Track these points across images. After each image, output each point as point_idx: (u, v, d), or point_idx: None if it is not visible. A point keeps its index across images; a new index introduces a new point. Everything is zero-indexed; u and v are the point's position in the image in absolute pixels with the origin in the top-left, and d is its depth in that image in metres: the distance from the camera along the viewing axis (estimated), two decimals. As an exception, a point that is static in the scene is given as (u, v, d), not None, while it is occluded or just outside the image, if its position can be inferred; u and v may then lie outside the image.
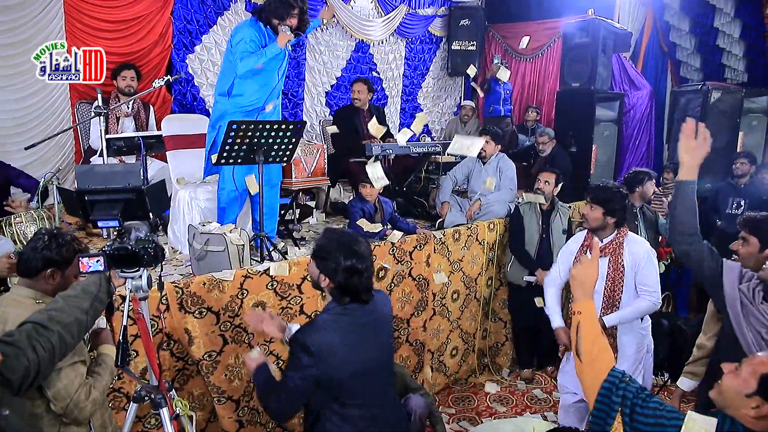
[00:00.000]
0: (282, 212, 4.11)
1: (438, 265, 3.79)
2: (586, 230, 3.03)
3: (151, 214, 1.94)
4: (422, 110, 7.57)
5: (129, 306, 1.83)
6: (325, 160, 4.35)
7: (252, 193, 3.39)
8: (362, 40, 6.57)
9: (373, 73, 6.00)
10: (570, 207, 4.26)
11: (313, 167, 4.22)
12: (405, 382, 3.36)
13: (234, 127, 2.92)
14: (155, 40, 4.83)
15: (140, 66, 4.67)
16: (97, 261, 1.68)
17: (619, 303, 2.82)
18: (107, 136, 3.53)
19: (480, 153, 4.45)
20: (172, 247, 3.58)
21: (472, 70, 6.13)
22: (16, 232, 3.07)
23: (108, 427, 1.98)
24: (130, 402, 2.03)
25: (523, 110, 7.21)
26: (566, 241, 3.94)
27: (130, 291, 1.82)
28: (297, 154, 3.97)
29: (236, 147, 3.01)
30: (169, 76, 3.50)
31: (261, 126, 3.02)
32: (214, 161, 3.16)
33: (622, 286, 2.81)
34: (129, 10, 4.64)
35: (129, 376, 2.26)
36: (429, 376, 3.89)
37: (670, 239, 2.28)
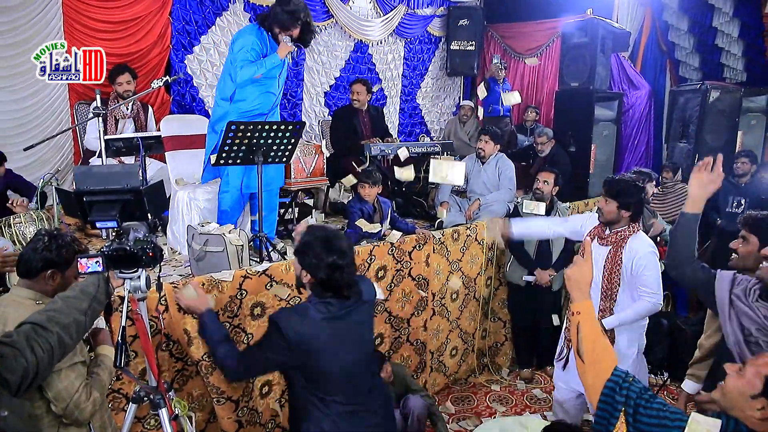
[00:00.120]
0: (281, 212, 4.11)
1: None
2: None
3: (149, 214, 1.94)
4: (421, 110, 7.57)
5: (128, 307, 1.83)
6: (324, 161, 4.35)
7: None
8: (361, 40, 6.57)
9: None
10: (569, 207, 4.27)
11: (312, 167, 4.22)
12: (405, 383, 3.37)
13: (233, 127, 2.92)
14: (154, 40, 4.83)
15: (139, 67, 4.67)
16: (96, 262, 1.68)
17: (616, 296, 2.80)
18: (106, 137, 3.53)
19: (479, 153, 4.46)
20: (171, 248, 3.58)
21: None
22: (16, 232, 3.07)
23: (107, 428, 1.98)
24: (129, 403, 2.03)
25: (522, 110, 7.21)
26: (565, 242, 3.96)
27: (129, 292, 1.83)
28: (296, 155, 3.97)
29: (235, 147, 3.01)
30: (167, 77, 3.50)
31: (260, 126, 3.02)
32: (213, 161, 3.16)
33: (619, 279, 2.78)
34: (127, 10, 4.65)
35: (128, 377, 2.26)
36: (429, 376, 3.89)
37: (668, 263, 2.34)
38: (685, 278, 2.25)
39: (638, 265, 2.73)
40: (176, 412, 1.99)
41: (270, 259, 3.19)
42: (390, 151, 4.56)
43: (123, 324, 1.77)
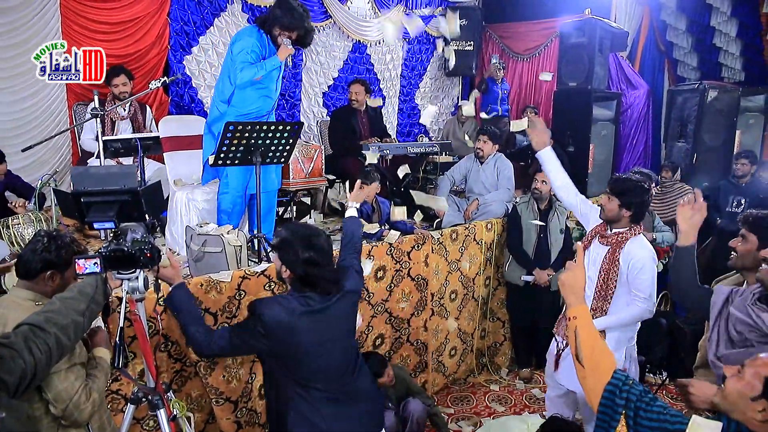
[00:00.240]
0: (279, 212, 4.11)
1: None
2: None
3: (146, 215, 1.94)
4: (420, 110, 7.57)
5: (126, 307, 1.83)
6: (323, 161, 4.35)
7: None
8: (359, 40, 6.57)
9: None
10: (567, 206, 4.27)
11: (310, 168, 4.22)
12: (407, 386, 3.37)
13: (231, 128, 2.92)
14: (152, 41, 4.82)
15: (137, 68, 4.67)
16: (94, 263, 1.68)
17: (611, 297, 2.76)
18: (104, 138, 3.52)
19: (477, 153, 4.47)
20: (170, 249, 3.58)
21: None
22: (14, 234, 3.07)
23: (106, 428, 1.98)
24: (127, 404, 2.03)
25: (521, 110, 7.22)
26: (564, 242, 3.96)
27: (127, 292, 1.82)
28: (294, 155, 3.97)
29: (233, 148, 3.01)
30: (165, 78, 3.50)
31: (258, 127, 3.02)
32: (211, 162, 3.16)
33: (616, 280, 2.74)
34: (126, 11, 4.64)
35: (126, 378, 2.26)
36: (429, 376, 3.90)
37: (673, 293, 2.39)
38: (688, 302, 2.33)
39: (634, 268, 2.69)
40: (175, 412, 1.99)
41: (268, 260, 3.18)
42: (388, 152, 4.55)
43: (121, 325, 1.77)
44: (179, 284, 2.12)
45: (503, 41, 7.70)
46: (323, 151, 4.40)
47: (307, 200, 4.69)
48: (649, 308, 2.70)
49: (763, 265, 2.03)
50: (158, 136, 3.85)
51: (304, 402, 2.06)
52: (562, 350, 2.89)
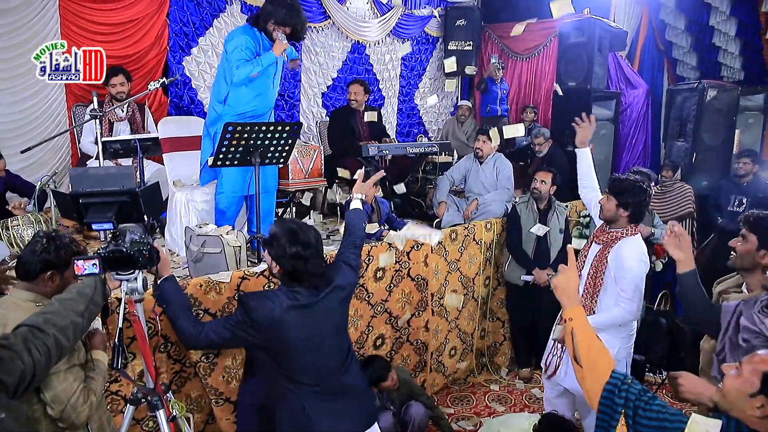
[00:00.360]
0: (279, 213, 4.11)
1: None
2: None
3: (145, 216, 1.94)
4: (419, 110, 7.57)
5: (125, 308, 1.83)
6: (322, 161, 4.35)
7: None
8: (358, 41, 6.57)
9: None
10: (567, 206, 4.27)
11: (309, 168, 4.22)
12: (409, 389, 3.37)
13: (230, 129, 2.92)
14: (151, 42, 4.83)
15: (136, 69, 4.67)
16: (92, 264, 1.69)
17: (598, 295, 2.76)
18: (103, 139, 3.52)
19: (477, 153, 4.47)
20: (169, 250, 3.59)
21: (470, 69, 5.83)
22: (13, 235, 3.07)
23: (106, 429, 1.98)
24: (127, 404, 2.03)
25: (520, 110, 7.22)
26: (563, 242, 3.96)
27: (126, 293, 1.83)
28: (293, 155, 3.97)
29: (232, 149, 3.01)
30: (164, 78, 3.50)
31: (257, 128, 3.02)
32: (210, 163, 3.16)
33: (603, 278, 2.73)
34: (125, 12, 4.64)
35: (125, 379, 2.26)
36: (428, 376, 3.90)
37: (686, 317, 2.42)
38: (704, 326, 2.32)
39: (620, 268, 2.67)
40: (174, 413, 1.99)
41: (268, 260, 3.19)
42: (387, 152, 4.56)
43: (120, 326, 1.77)
44: (168, 276, 2.14)
45: (502, 41, 7.69)
46: (322, 152, 4.41)
47: (307, 201, 4.68)
48: (630, 310, 2.65)
49: (767, 272, 2.02)
50: (157, 138, 3.85)
51: (293, 396, 2.08)
52: (560, 356, 2.89)
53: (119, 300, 1.85)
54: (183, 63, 5.14)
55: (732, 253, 2.33)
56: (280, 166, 3.59)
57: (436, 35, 7.52)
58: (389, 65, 7.05)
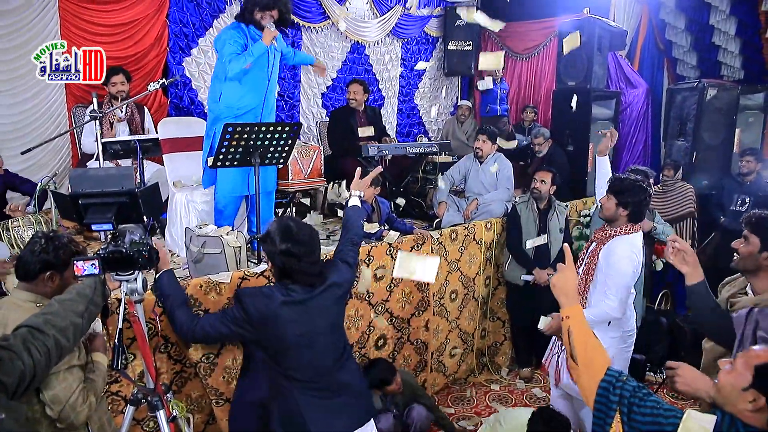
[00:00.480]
0: (279, 213, 4.11)
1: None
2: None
3: (144, 216, 1.94)
4: (419, 110, 7.57)
5: (125, 309, 1.83)
6: (322, 161, 4.35)
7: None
8: (358, 41, 6.57)
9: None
10: (567, 206, 4.27)
11: (309, 169, 4.22)
12: (413, 392, 3.38)
13: (230, 129, 2.92)
14: (151, 43, 4.83)
15: (136, 69, 4.67)
16: (92, 264, 1.69)
17: (589, 291, 2.77)
18: (103, 140, 3.53)
19: (477, 152, 4.47)
20: (170, 250, 3.58)
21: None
22: (14, 236, 3.07)
23: (107, 429, 1.98)
24: (127, 405, 2.03)
25: (520, 109, 7.21)
26: (563, 241, 3.96)
27: (126, 294, 1.83)
28: (293, 156, 3.97)
29: (232, 149, 3.01)
30: (164, 79, 3.50)
31: (257, 128, 3.02)
32: (210, 164, 3.16)
33: (593, 274, 2.74)
34: (124, 13, 4.64)
35: (125, 379, 2.26)
36: (429, 376, 3.90)
37: (702, 330, 2.37)
38: (717, 336, 2.26)
39: (609, 264, 2.67)
40: (174, 413, 1.99)
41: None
42: (387, 152, 4.56)
43: (120, 326, 1.77)
44: (167, 270, 2.16)
45: (502, 41, 7.69)
46: (322, 152, 4.41)
47: (307, 201, 4.68)
48: (612, 307, 2.64)
49: None
50: (157, 138, 3.86)
51: (287, 393, 2.10)
52: (560, 357, 2.89)
53: (119, 300, 1.86)
54: (183, 64, 5.14)
55: (735, 254, 2.27)
56: (280, 166, 3.59)
57: (436, 35, 7.52)
58: (389, 65, 7.05)
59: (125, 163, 3.95)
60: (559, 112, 5.64)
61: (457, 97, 8.02)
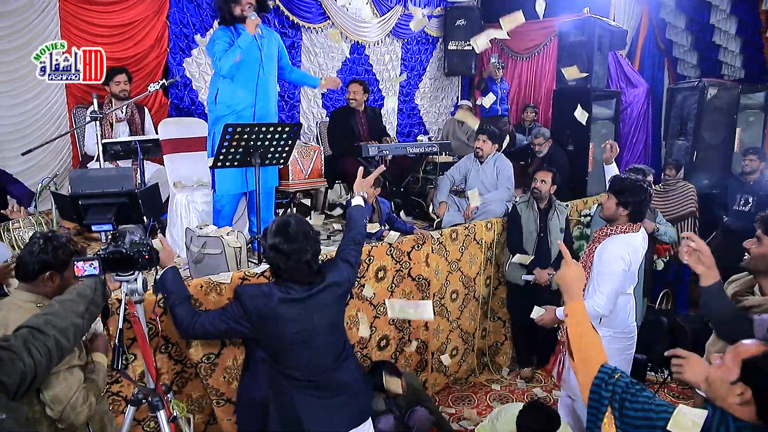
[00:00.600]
0: (279, 213, 4.11)
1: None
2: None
3: (144, 217, 1.94)
4: (419, 110, 7.57)
5: (125, 309, 1.83)
6: (322, 162, 4.35)
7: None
8: (358, 41, 6.57)
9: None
10: (567, 205, 4.27)
11: (309, 169, 4.23)
12: (416, 394, 3.38)
13: (230, 130, 2.93)
14: (151, 44, 4.83)
15: (137, 70, 4.67)
16: (92, 265, 1.69)
17: (585, 289, 2.75)
18: (104, 141, 3.53)
19: (477, 152, 4.47)
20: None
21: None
22: (15, 237, 3.08)
23: (107, 430, 1.99)
24: (128, 405, 2.03)
25: (521, 109, 7.21)
26: (564, 241, 3.96)
27: (126, 294, 1.83)
28: (294, 156, 3.98)
29: (232, 150, 3.02)
30: (164, 80, 3.50)
31: (257, 129, 3.02)
32: (210, 164, 3.16)
33: (588, 272, 2.75)
34: (125, 14, 4.65)
35: (126, 380, 2.27)
36: (429, 376, 3.90)
37: (715, 331, 2.31)
38: (730, 337, 2.14)
39: (601, 261, 2.68)
40: (175, 414, 1.99)
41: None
42: (387, 152, 4.56)
43: (120, 327, 1.77)
44: (171, 266, 2.17)
45: (502, 41, 7.69)
46: (322, 152, 4.41)
47: (308, 201, 4.69)
48: (597, 304, 2.62)
49: None
50: (158, 139, 3.86)
51: (285, 391, 2.11)
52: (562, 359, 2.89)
53: (119, 301, 1.86)
54: (183, 64, 5.14)
55: (746, 254, 2.24)
56: (280, 166, 3.59)
57: (436, 35, 7.52)
58: (389, 65, 7.06)
59: (125, 163, 3.95)
60: (560, 112, 5.64)
61: (458, 97, 8.02)
